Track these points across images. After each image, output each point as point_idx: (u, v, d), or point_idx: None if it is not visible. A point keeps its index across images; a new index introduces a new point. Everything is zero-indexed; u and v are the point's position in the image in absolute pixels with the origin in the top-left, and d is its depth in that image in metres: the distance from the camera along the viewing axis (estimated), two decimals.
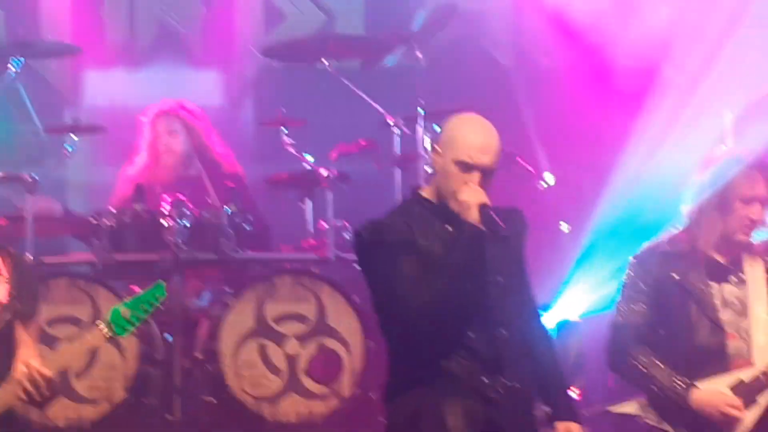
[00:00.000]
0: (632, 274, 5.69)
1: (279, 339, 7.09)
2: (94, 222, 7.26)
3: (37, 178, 7.35)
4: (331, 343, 7.05)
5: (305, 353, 7.06)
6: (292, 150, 7.79)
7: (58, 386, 5.12)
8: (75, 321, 6.85)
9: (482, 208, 4.77)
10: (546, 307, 7.49)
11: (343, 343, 7.07)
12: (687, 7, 8.33)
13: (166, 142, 7.95)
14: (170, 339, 7.13)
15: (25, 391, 4.81)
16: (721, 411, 5.40)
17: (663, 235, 5.78)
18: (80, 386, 6.81)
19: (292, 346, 7.07)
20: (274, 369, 7.03)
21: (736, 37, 8.06)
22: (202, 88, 9.07)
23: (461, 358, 4.90)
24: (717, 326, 5.48)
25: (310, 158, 7.76)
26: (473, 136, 4.72)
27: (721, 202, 5.52)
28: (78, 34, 9.04)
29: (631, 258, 5.72)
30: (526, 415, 5.01)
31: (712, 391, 5.45)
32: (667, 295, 5.62)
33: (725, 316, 5.50)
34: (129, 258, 7.24)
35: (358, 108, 7.94)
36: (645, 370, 5.55)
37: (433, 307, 4.87)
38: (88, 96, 9.11)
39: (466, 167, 4.67)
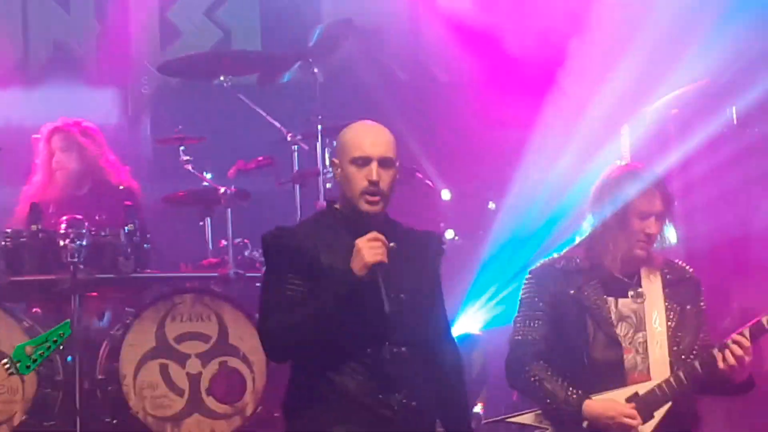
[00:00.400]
0: (529, 289, 5.67)
1: (181, 358, 7.02)
2: None
3: None
4: (234, 362, 6.98)
5: (207, 372, 6.96)
6: (190, 168, 7.69)
7: None
8: None
9: (375, 266, 4.71)
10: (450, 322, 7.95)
11: (246, 361, 7.01)
12: (583, 18, 8.25)
13: (58, 159, 7.79)
14: (70, 360, 6.93)
15: None
16: (617, 421, 5.40)
17: (561, 252, 5.76)
18: None
19: (193, 365, 6.98)
20: (176, 389, 6.93)
21: (631, 48, 8.02)
22: (99, 106, 8.89)
23: (357, 375, 4.80)
24: (613, 341, 5.50)
25: (208, 176, 7.69)
26: (361, 133, 4.71)
27: (619, 218, 5.50)
28: None
29: (528, 274, 5.70)
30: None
31: (606, 402, 5.45)
32: (564, 311, 5.61)
33: (621, 330, 5.50)
34: (26, 279, 7.06)
35: (256, 124, 7.89)
36: (539, 384, 5.56)
37: (284, 336, 4.75)
38: None
39: (361, 161, 4.63)
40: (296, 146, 7.72)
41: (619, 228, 5.52)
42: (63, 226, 7.08)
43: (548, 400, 5.52)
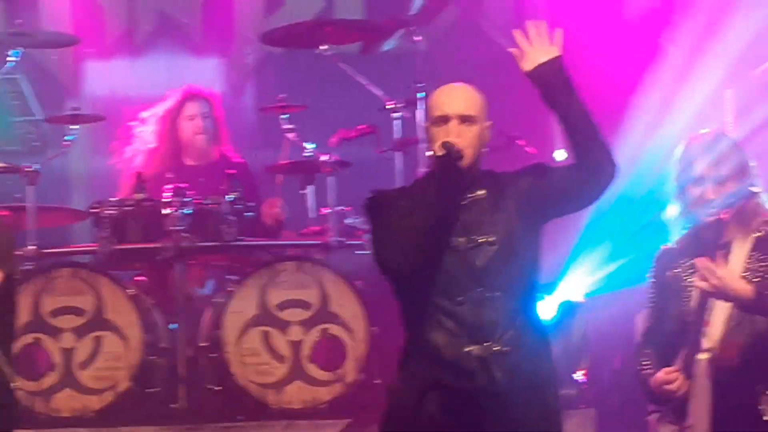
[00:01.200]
0: (649, 276, 5.74)
1: (282, 326, 6.97)
2: (96, 212, 7.16)
3: (38, 168, 7.25)
4: (335, 330, 6.95)
5: (309, 340, 6.96)
6: (293, 137, 7.72)
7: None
8: (78, 312, 6.78)
9: (444, 143, 4.70)
10: (550, 288, 7.40)
11: (347, 328, 6.96)
12: None
13: (197, 125, 7.77)
14: (174, 328, 7.04)
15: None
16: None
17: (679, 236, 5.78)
18: (84, 377, 6.75)
19: (295, 332, 6.95)
20: (278, 356, 6.94)
21: (734, 14, 7.85)
22: (203, 75, 8.89)
23: (446, 327, 4.81)
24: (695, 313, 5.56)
25: (311, 145, 7.62)
26: (441, 94, 4.75)
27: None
28: (77, 24, 8.93)
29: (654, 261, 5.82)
30: (522, 381, 4.78)
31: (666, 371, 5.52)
32: (667, 293, 5.62)
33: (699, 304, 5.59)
34: (131, 247, 7.11)
35: (357, 93, 7.82)
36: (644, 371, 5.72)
37: (403, 257, 4.78)
38: (89, 86, 9.02)
39: (441, 120, 4.66)
40: (397, 114, 7.63)
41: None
42: (167, 194, 7.11)
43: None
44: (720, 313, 5.56)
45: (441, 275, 4.97)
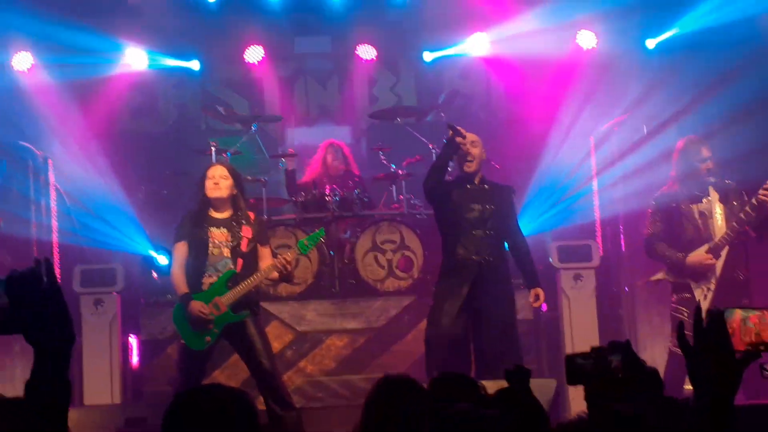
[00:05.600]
0: (652, 207, 6.65)
1: (383, 252, 8.37)
2: (294, 199, 8.69)
3: (266, 179, 8.80)
4: (408, 253, 8.35)
5: (395, 258, 8.37)
6: (385, 162, 8.94)
7: (291, 273, 6.34)
8: (287, 246, 7.88)
9: (449, 124, 6.31)
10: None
11: (414, 253, 8.34)
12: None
13: (332, 159, 9.13)
14: (332, 254, 8.44)
15: (280, 269, 6.18)
16: (703, 263, 6.48)
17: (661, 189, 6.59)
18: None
19: (389, 255, 8.40)
20: (381, 266, 8.36)
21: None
22: (341, 133, 10.33)
23: (466, 246, 6.33)
24: (697, 227, 6.48)
25: (393, 165, 8.86)
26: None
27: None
28: (282, 108, 10.49)
29: (652, 201, 6.62)
30: (500, 280, 6.34)
31: (695, 255, 6.49)
32: (670, 215, 6.56)
33: (700, 222, 6.47)
34: (310, 215, 8.50)
35: (415, 140, 8.92)
36: (662, 253, 6.59)
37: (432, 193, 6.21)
38: (288, 140, 10.63)
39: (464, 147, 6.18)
40: (434, 151, 8.31)
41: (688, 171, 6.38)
42: (327, 189, 8.55)
43: (668, 261, 6.56)
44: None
45: (464, 223, 6.35)
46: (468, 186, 6.40)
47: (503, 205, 6.37)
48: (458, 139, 6.29)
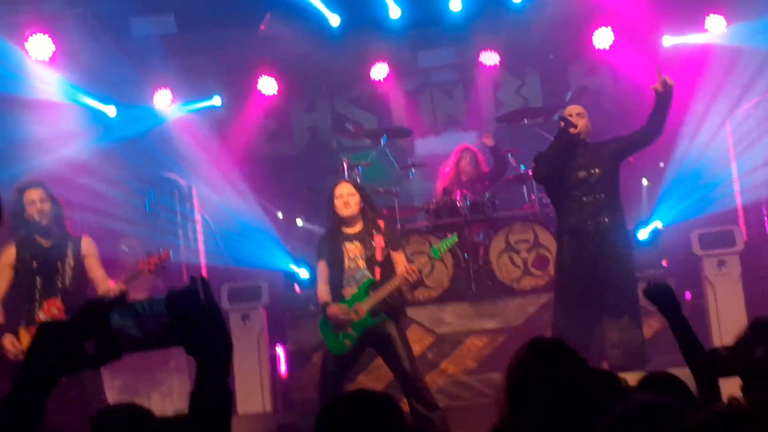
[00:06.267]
0: None
1: (517, 251, 8.55)
2: (426, 207, 8.99)
3: (398, 190, 9.19)
4: (543, 251, 8.48)
5: (530, 257, 8.55)
6: (515, 164, 9.34)
7: (420, 279, 6.80)
8: (421, 252, 8.09)
9: (561, 116, 6.61)
10: (647, 222, 8.73)
11: (548, 250, 8.38)
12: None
13: (465, 164, 9.35)
14: (467, 257, 8.69)
15: (411, 280, 6.46)
16: None
17: None
18: (428, 281, 8.50)
19: (524, 255, 8.58)
20: (516, 265, 8.55)
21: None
22: (468, 138, 10.19)
23: (577, 210, 6.57)
24: None
25: (523, 166, 9.16)
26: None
27: None
28: (409, 121, 10.75)
29: None
30: (615, 243, 6.48)
31: None
32: None
33: None
34: (442, 222, 8.81)
35: (542, 139, 8.71)
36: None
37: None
38: (417, 150, 10.85)
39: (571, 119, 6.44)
40: None
41: None
42: (458, 195, 8.82)
43: None
44: None
45: (574, 189, 6.61)
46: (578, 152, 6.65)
47: (610, 165, 6.56)
48: (571, 130, 6.57)
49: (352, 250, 6.44)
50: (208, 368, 2.05)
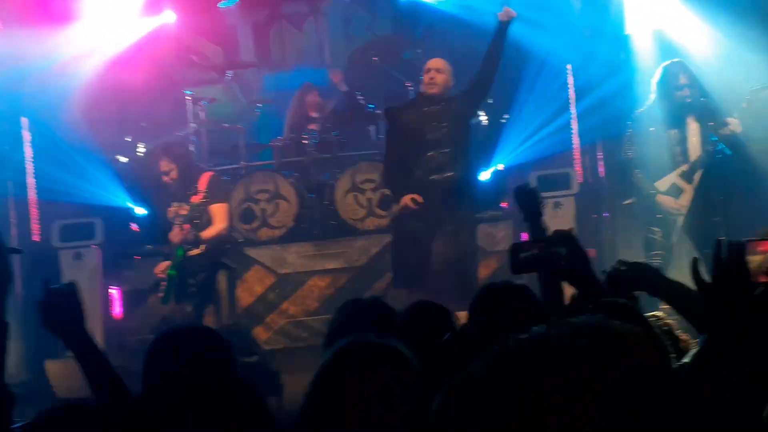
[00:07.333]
0: (629, 131, 7.12)
1: (363, 191, 8.59)
2: (273, 143, 8.96)
3: (243, 126, 9.09)
4: (389, 191, 7.90)
5: (375, 197, 8.53)
6: (363, 102, 9.15)
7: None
8: (266, 191, 8.36)
9: None
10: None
11: None
12: None
13: (313, 99, 9.45)
14: (312, 196, 8.60)
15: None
16: (669, 205, 6.78)
17: None
18: (272, 221, 8.43)
19: (369, 194, 8.55)
20: (361, 205, 8.57)
21: None
22: (320, 77, 10.07)
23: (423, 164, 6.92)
24: (673, 152, 6.86)
25: (371, 106, 9.09)
26: None
27: None
28: (258, 55, 10.59)
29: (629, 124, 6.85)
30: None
31: (665, 197, 6.79)
32: (647, 139, 6.97)
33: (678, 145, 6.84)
34: (289, 160, 8.88)
35: (393, 79, 9.15)
36: (635, 182, 7.01)
37: None
38: (265, 85, 10.59)
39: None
40: (410, 88, 8.67)
41: None
42: (305, 133, 8.83)
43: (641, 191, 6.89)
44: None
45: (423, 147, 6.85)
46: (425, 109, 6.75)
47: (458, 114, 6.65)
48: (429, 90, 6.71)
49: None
50: None
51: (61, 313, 2.55)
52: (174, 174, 7.00)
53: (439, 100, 6.70)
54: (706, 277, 1.97)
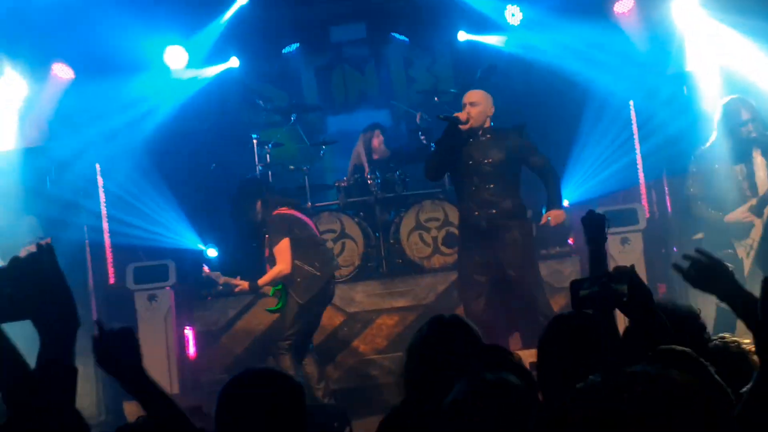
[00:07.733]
0: (693, 168, 6.92)
1: (428, 230, 8.67)
2: (337, 184, 9.02)
3: (309, 168, 9.06)
4: (453, 229, 8.33)
5: (440, 235, 8.68)
6: (425, 142, 9.06)
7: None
8: (332, 231, 8.53)
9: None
10: None
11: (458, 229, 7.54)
12: None
13: (377, 141, 9.19)
14: (378, 235, 8.73)
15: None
16: (741, 220, 6.58)
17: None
18: (339, 260, 8.41)
19: (434, 232, 8.67)
20: (427, 243, 8.66)
21: None
22: (381, 117, 10.24)
23: (467, 198, 6.82)
24: (740, 187, 6.71)
25: (433, 146, 8.59)
26: None
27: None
28: (321, 97, 10.56)
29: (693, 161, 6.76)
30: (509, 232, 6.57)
31: (735, 213, 6.64)
32: (712, 175, 6.81)
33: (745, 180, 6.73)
34: (353, 200, 8.98)
35: None
36: (701, 214, 6.87)
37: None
38: (329, 127, 10.79)
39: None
40: None
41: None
42: (368, 173, 8.75)
43: (709, 220, 6.75)
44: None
45: (466, 177, 6.63)
46: (471, 140, 6.51)
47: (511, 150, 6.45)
48: (461, 127, 6.48)
49: None
50: (50, 343, 1.98)
51: (117, 355, 2.56)
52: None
53: (485, 132, 6.59)
54: None
